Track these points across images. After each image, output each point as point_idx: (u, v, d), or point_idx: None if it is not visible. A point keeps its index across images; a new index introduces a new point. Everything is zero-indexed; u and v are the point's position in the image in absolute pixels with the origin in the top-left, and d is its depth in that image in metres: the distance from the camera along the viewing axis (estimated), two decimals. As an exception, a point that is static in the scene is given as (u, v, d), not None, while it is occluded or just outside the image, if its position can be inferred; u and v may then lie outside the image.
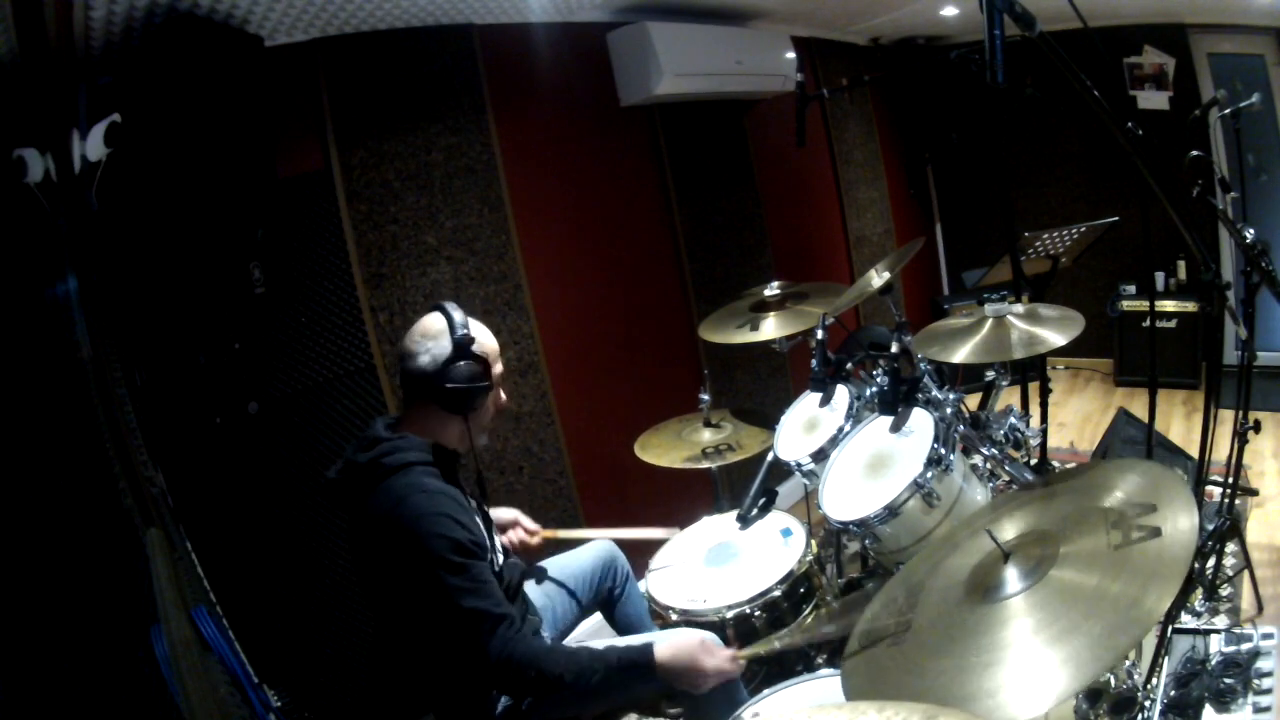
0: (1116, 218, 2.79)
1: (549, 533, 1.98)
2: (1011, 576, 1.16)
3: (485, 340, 1.59)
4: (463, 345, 1.52)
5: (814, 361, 2.21)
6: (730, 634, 1.83)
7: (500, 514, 1.93)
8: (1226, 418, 2.26)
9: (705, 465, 2.33)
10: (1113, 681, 1.43)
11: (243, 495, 2.08)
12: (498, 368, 1.62)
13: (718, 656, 1.54)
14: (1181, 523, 1.07)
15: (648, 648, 1.49)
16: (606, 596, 2.01)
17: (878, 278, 2.32)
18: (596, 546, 2.05)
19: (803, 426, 2.30)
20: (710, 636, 1.63)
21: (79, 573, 1.61)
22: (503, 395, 1.66)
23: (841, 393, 2.25)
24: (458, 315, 1.56)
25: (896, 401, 1.95)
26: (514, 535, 1.93)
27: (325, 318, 2.27)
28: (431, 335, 1.54)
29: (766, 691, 1.52)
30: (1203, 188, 1.83)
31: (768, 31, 3.66)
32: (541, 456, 2.80)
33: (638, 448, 2.47)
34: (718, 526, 2.20)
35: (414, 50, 2.48)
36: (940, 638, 1.15)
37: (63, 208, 1.70)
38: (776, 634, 1.57)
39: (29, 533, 1.57)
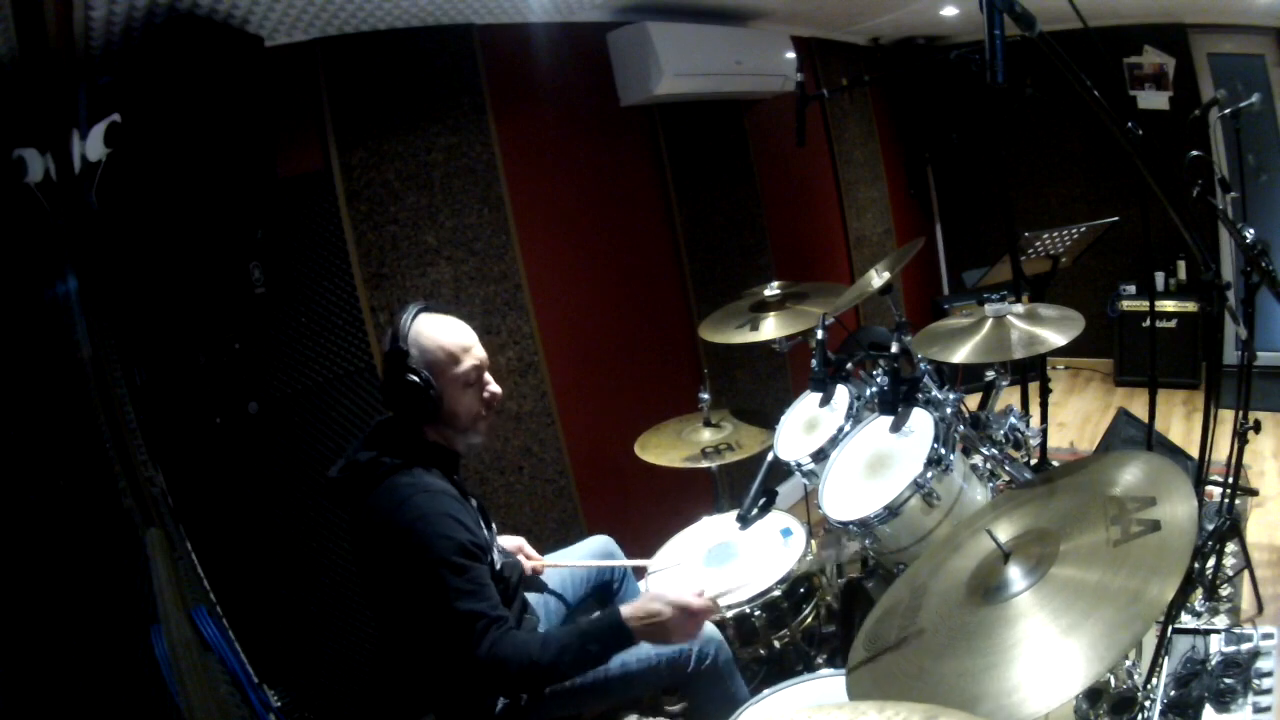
0: (1116, 218, 2.78)
1: (548, 561, 1.97)
2: (1013, 576, 1.16)
3: (433, 344, 1.50)
4: (393, 356, 1.47)
5: (814, 361, 2.20)
6: (730, 634, 1.83)
7: (505, 541, 1.89)
8: (1226, 418, 2.26)
9: (705, 465, 2.33)
10: (1113, 681, 1.42)
11: (243, 495, 2.08)
12: (463, 366, 1.52)
13: (684, 595, 1.49)
14: (1180, 512, 1.07)
15: (613, 608, 1.47)
16: (605, 591, 2.02)
17: (878, 278, 2.31)
18: (594, 543, 2.05)
19: (803, 426, 2.31)
20: (680, 592, 1.54)
21: (79, 573, 1.61)
22: (488, 391, 1.57)
23: (841, 393, 2.25)
24: (403, 320, 1.50)
25: (896, 401, 1.95)
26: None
27: (325, 318, 2.27)
28: (387, 339, 1.52)
29: (766, 691, 1.52)
30: (1203, 188, 1.82)
31: (768, 31, 3.66)
32: (541, 456, 2.79)
33: (638, 447, 2.48)
34: (718, 526, 2.20)
35: (414, 50, 2.48)
36: (943, 640, 1.15)
37: (63, 208, 1.70)
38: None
39: (29, 533, 1.57)
